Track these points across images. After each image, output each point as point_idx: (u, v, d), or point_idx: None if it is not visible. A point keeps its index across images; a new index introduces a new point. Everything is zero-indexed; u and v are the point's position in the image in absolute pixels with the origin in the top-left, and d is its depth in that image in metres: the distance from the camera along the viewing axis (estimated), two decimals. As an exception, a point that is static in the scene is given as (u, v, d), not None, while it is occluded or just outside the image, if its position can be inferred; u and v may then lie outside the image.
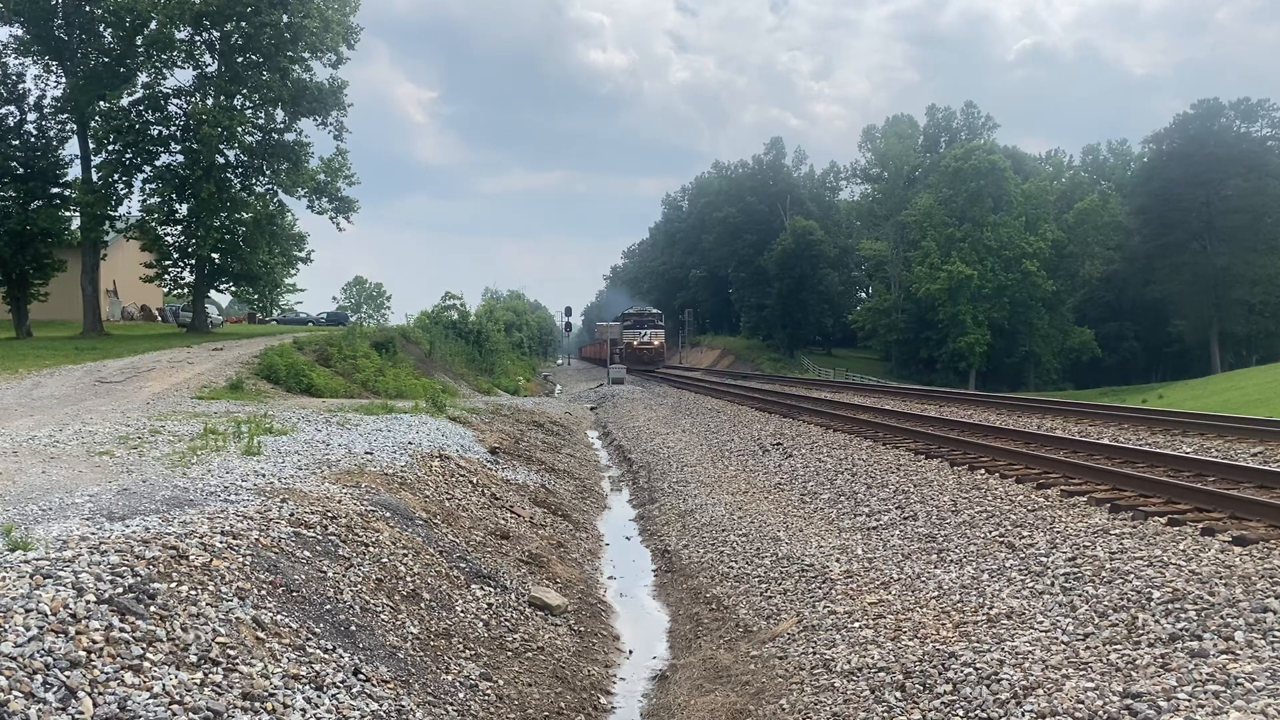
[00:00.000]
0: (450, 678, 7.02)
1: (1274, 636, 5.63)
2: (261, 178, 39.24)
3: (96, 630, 4.89)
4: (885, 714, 6.27)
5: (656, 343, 60.55)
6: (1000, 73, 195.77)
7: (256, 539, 7.21)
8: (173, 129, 37.44)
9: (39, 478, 9.20)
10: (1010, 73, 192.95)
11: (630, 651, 9.33)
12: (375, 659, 6.47)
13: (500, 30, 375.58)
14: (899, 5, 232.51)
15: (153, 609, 5.35)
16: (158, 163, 37.47)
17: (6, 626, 4.62)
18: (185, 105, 37.55)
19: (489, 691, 7.09)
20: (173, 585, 5.74)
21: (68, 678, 4.44)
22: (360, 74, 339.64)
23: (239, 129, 36.40)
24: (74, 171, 37.32)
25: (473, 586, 9.11)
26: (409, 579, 8.29)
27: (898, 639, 7.31)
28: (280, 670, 5.53)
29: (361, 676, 6.04)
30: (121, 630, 4.99)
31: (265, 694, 5.19)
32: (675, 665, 8.72)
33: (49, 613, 4.85)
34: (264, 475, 9.97)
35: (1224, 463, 10.62)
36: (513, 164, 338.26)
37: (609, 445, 26.13)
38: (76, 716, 4.26)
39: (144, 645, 4.97)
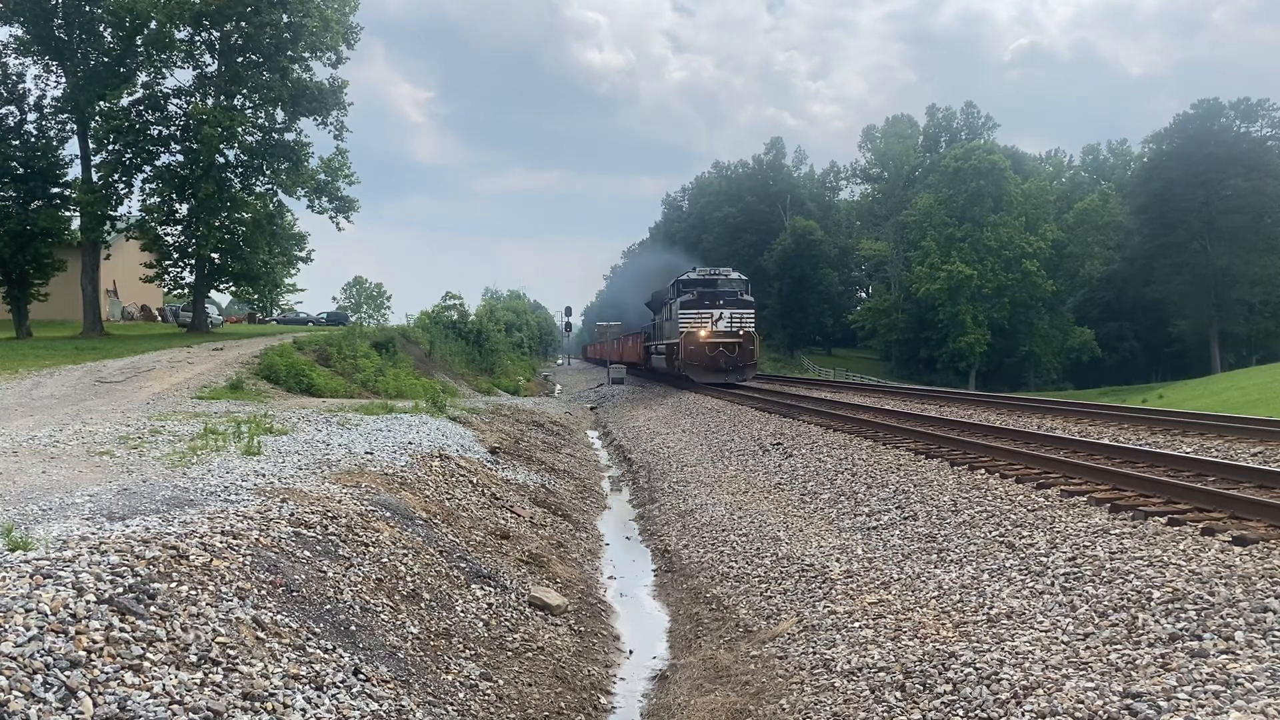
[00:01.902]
0: (450, 678, 7.02)
1: (1274, 636, 5.63)
2: (261, 177, 39.25)
3: (96, 630, 4.89)
4: (885, 714, 6.27)
5: (743, 333, 33.02)
6: (997, 73, 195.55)
7: (256, 539, 7.21)
8: (173, 129, 37.48)
9: (39, 478, 9.20)
10: (1007, 72, 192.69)
11: (630, 651, 9.33)
12: (375, 659, 6.47)
13: (497, 30, 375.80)
14: (895, 5, 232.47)
15: (153, 609, 5.35)
16: (158, 163, 37.54)
17: (6, 626, 4.62)
18: (185, 105, 37.60)
19: (489, 691, 7.09)
20: (173, 585, 5.74)
21: (68, 678, 4.44)
22: (357, 74, 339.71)
23: (239, 129, 36.42)
24: (74, 171, 37.40)
25: (473, 586, 9.11)
26: (409, 579, 8.29)
27: (898, 639, 7.31)
28: (280, 670, 5.53)
29: (361, 676, 6.04)
30: (121, 630, 4.99)
31: (265, 694, 5.19)
32: (675, 665, 8.72)
33: (49, 613, 4.84)
34: (264, 475, 9.96)
35: (1224, 463, 10.61)
36: (511, 164, 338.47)
37: (609, 445, 26.13)
38: (76, 716, 4.26)
39: (144, 645, 4.97)
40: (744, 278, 36.81)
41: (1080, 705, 5.37)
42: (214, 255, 38.60)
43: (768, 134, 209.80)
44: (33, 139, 36.54)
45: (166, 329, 46.19)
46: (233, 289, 44.09)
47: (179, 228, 38.66)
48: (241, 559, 6.67)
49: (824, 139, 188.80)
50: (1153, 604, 6.55)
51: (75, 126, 36.89)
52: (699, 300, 33.66)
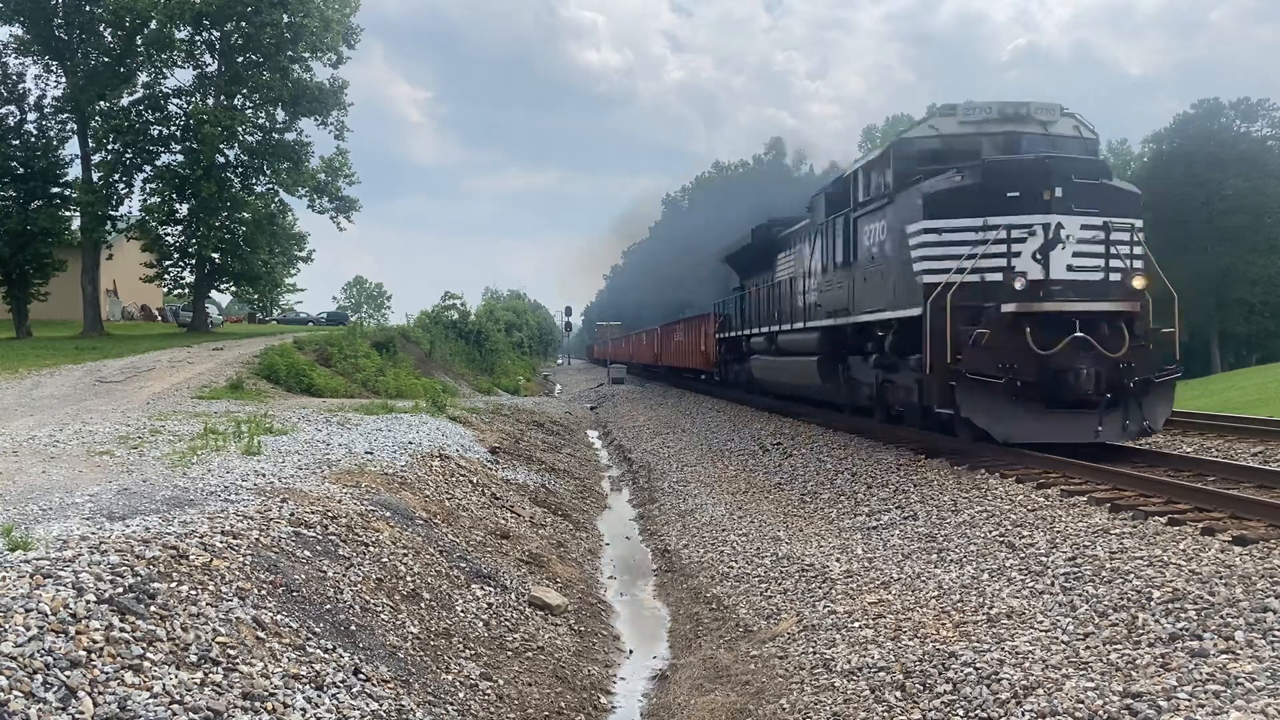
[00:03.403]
0: (450, 677, 7.02)
1: (1274, 636, 5.62)
2: (262, 177, 39.28)
3: (96, 630, 4.88)
4: (885, 714, 6.27)
5: (1139, 285, 12.82)
6: (995, 73, 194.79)
7: (257, 539, 7.21)
8: (173, 129, 37.53)
9: (39, 477, 9.20)
10: (1005, 73, 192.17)
11: (630, 651, 9.34)
12: (375, 659, 6.47)
13: (495, 30, 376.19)
14: (893, 5, 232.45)
15: (153, 609, 5.34)
16: (158, 162, 37.59)
17: (6, 626, 4.61)
18: (185, 105, 37.64)
19: (489, 691, 7.09)
20: (173, 585, 5.74)
21: (68, 677, 4.43)
22: (357, 75, 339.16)
23: (239, 129, 36.44)
24: (74, 171, 37.46)
25: (473, 586, 9.11)
26: (409, 579, 8.29)
27: (898, 639, 7.31)
28: (280, 670, 5.53)
29: (361, 676, 6.04)
30: (121, 630, 4.99)
31: (265, 694, 5.18)
32: (675, 665, 8.72)
33: (49, 612, 4.84)
34: (264, 475, 9.96)
35: (1224, 463, 10.62)
36: (509, 164, 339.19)
37: (609, 445, 26.14)
38: (76, 716, 4.25)
39: (144, 645, 4.97)
40: (1094, 133, 14.16)
41: (1080, 705, 5.36)
42: (214, 255, 38.60)
43: (767, 134, 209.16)
44: (33, 139, 36.57)
45: (166, 329, 46.21)
46: (233, 289, 44.12)
47: (179, 228, 38.70)
48: (241, 559, 6.67)
49: (823, 139, 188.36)
50: (1153, 604, 6.54)
51: (75, 126, 36.93)
52: (985, 195, 12.17)
